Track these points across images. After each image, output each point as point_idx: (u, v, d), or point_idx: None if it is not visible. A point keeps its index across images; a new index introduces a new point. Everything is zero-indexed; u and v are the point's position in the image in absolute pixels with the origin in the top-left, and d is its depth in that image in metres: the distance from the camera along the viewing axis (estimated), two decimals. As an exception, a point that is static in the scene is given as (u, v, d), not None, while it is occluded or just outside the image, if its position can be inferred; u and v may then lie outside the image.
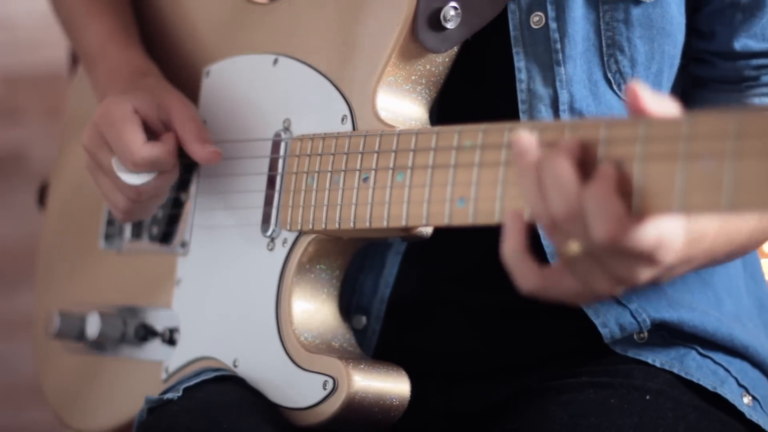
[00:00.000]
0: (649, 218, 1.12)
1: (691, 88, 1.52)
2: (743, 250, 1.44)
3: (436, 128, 1.35)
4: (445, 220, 1.29)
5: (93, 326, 1.66)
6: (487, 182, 1.25)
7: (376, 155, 1.39)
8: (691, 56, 1.50)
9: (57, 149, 1.90)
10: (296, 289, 1.48)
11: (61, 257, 1.83)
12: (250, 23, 1.62)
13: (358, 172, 1.42)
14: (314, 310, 1.49)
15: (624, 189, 1.13)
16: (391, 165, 1.37)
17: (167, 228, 1.65)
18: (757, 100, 1.48)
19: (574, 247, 1.14)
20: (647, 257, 1.12)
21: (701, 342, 1.50)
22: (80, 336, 1.70)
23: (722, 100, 1.50)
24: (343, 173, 1.43)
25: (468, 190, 1.27)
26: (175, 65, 1.69)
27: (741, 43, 1.47)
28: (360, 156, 1.41)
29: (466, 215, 1.27)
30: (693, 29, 1.49)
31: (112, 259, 1.73)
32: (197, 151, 1.52)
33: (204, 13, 1.68)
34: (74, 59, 2.28)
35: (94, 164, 1.56)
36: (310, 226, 1.45)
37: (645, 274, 1.14)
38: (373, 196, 1.38)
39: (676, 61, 1.49)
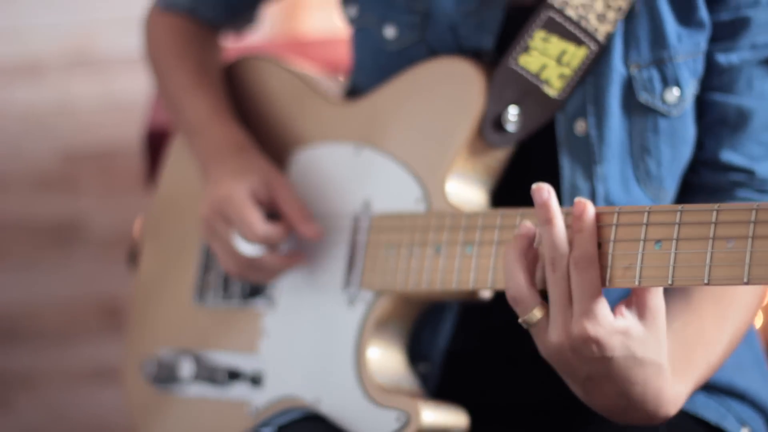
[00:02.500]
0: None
1: (679, 193, 1.62)
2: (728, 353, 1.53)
3: (501, 210, 1.48)
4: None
5: (186, 369, 1.77)
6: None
7: (447, 231, 1.51)
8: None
9: (149, 215, 1.96)
10: (373, 340, 1.59)
11: (152, 310, 1.89)
12: (333, 116, 1.72)
13: (431, 245, 1.53)
14: (387, 357, 1.60)
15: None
16: (461, 240, 1.49)
17: (256, 286, 1.75)
18: None
19: (533, 317, 1.36)
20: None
21: (707, 387, 1.59)
22: (173, 378, 1.78)
23: None
24: (418, 246, 1.54)
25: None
26: (260, 145, 1.78)
27: (725, 156, 1.57)
28: (433, 232, 1.53)
29: None
30: None
31: (202, 312, 1.81)
32: (304, 230, 1.65)
33: (287, 105, 1.79)
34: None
35: (210, 233, 1.68)
36: (388, 288, 1.57)
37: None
38: (445, 266, 1.50)
39: (688, 164, 1.60)
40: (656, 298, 1.35)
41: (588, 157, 1.56)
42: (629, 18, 1.55)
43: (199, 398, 1.79)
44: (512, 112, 1.55)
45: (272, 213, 1.68)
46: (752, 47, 1.56)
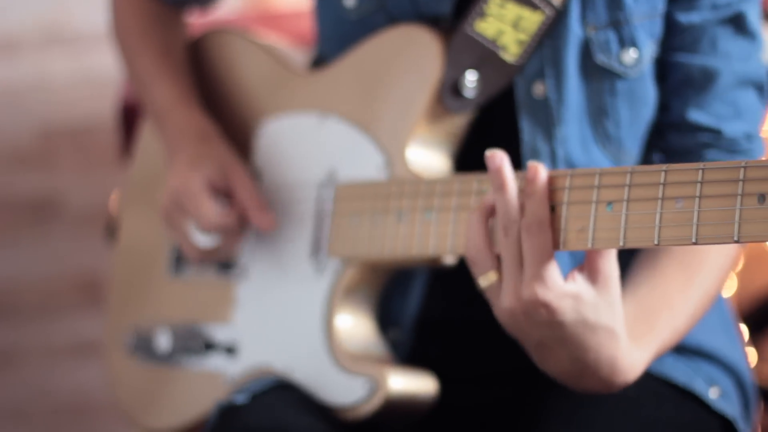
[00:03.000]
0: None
1: (645, 159, 1.63)
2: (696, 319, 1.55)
3: (459, 176, 1.50)
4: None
5: (163, 341, 1.79)
6: None
7: (408, 198, 1.53)
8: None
9: (125, 189, 1.98)
10: (341, 308, 1.61)
11: (130, 282, 1.92)
12: (297, 86, 1.74)
13: (393, 212, 1.54)
14: (356, 324, 1.62)
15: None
16: (420, 206, 1.51)
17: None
18: None
19: (485, 280, 1.40)
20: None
21: (675, 349, 1.59)
22: (149, 349, 1.81)
23: None
24: (381, 213, 1.56)
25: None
26: (226, 119, 1.81)
27: (692, 116, 1.59)
28: (395, 199, 1.55)
29: None
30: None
31: (176, 282, 1.83)
32: (257, 220, 1.67)
33: (254, 81, 1.80)
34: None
35: (169, 223, 1.72)
36: (354, 255, 1.59)
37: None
38: (406, 231, 1.52)
39: (650, 125, 1.62)
40: (609, 263, 1.37)
41: (547, 119, 1.57)
42: None
43: (176, 369, 1.81)
44: (470, 78, 1.56)
45: (228, 200, 1.70)
46: (713, 7, 1.57)
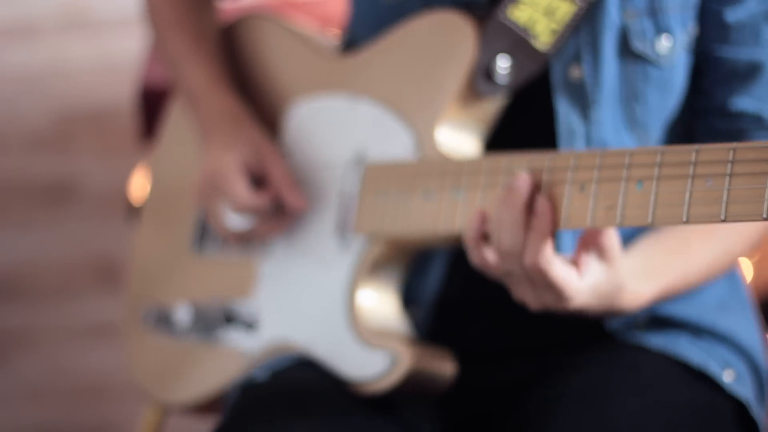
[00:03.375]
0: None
1: (685, 139, 1.65)
2: (701, 281, 1.60)
3: (488, 156, 1.53)
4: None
5: (183, 316, 1.80)
6: None
7: (436, 177, 1.55)
8: (690, 112, 1.64)
9: (150, 169, 2.00)
10: (365, 284, 1.62)
11: (153, 261, 1.94)
12: (329, 69, 1.75)
13: (420, 190, 1.56)
14: (379, 300, 1.63)
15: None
16: (449, 185, 1.52)
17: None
18: None
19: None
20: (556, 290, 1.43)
21: (690, 328, 1.63)
22: (170, 325, 1.82)
23: None
24: (407, 192, 1.57)
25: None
26: (258, 102, 1.82)
27: (735, 103, 1.60)
28: (423, 178, 1.56)
29: None
30: (695, 88, 1.63)
31: (199, 260, 1.84)
32: (290, 199, 1.69)
33: (285, 61, 1.82)
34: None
35: (204, 205, 1.73)
36: (380, 231, 1.60)
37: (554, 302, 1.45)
38: (432, 209, 1.53)
39: (677, 114, 1.62)
40: (611, 238, 1.44)
41: (583, 101, 1.59)
42: None
43: (196, 344, 1.82)
44: (502, 63, 1.58)
45: (261, 181, 1.72)
46: (760, 2, 1.58)
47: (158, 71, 2.53)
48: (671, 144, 1.63)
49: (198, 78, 1.82)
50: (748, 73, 1.60)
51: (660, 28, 1.58)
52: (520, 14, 1.57)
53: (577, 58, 1.58)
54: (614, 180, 1.35)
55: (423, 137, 1.61)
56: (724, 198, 1.24)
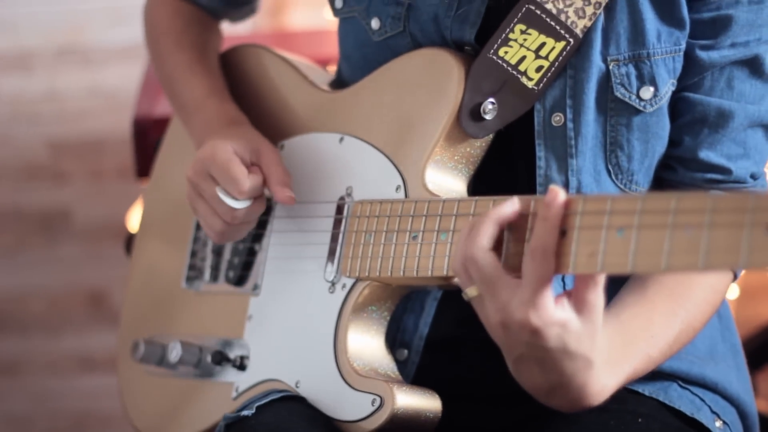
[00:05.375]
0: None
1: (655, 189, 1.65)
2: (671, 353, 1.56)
3: (474, 198, 1.51)
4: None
5: (174, 353, 1.78)
6: (517, 242, 1.41)
7: (424, 219, 1.54)
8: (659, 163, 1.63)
9: (145, 201, 1.99)
10: (352, 326, 1.62)
11: (145, 296, 1.93)
12: (320, 106, 1.75)
13: (408, 232, 1.55)
14: (365, 343, 1.63)
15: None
16: (436, 227, 1.52)
17: (242, 272, 1.78)
18: None
19: (472, 291, 1.41)
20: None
21: (681, 378, 1.64)
22: (162, 361, 1.80)
23: None
24: (396, 232, 1.57)
25: (500, 247, 1.42)
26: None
27: (703, 154, 1.61)
28: (410, 219, 1.56)
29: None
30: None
31: (191, 298, 1.84)
32: (278, 191, 1.66)
33: (279, 97, 1.81)
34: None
35: (195, 194, 1.69)
36: (367, 274, 1.59)
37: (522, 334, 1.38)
38: (420, 251, 1.53)
39: (660, 158, 1.62)
40: (595, 293, 1.38)
41: (564, 150, 1.59)
42: (610, 13, 1.57)
43: (186, 380, 1.82)
44: (490, 101, 1.58)
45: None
46: (732, 46, 1.58)
47: (152, 101, 2.54)
48: (655, 188, 1.65)
49: (197, 89, 1.81)
50: (717, 121, 1.60)
51: (644, 76, 1.58)
52: (510, 51, 1.57)
53: (560, 107, 1.59)
54: (596, 227, 1.34)
55: (410, 177, 1.61)
56: (703, 248, 1.25)
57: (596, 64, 1.57)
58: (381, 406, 1.56)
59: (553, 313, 1.36)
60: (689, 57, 1.60)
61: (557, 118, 1.59)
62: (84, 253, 3.30)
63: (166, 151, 1.98)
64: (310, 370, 1.66)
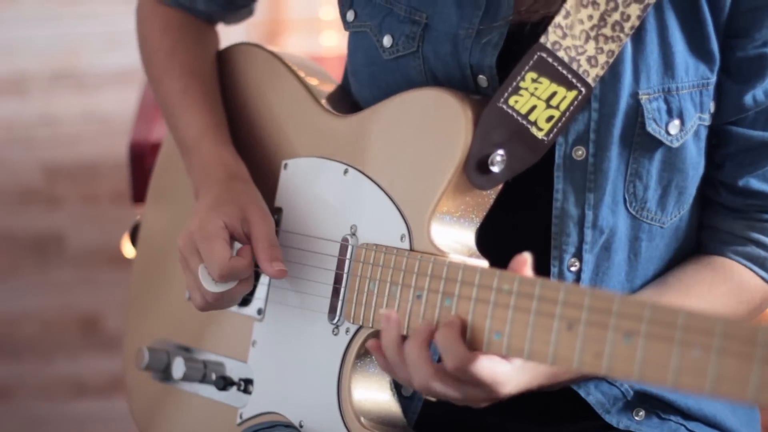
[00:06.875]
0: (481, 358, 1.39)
1: (702, 204, 1.64)
2: None
3: (479, 268, 1.46)
4: (483, 348, 1.42)
5: (178, 369, 1.75)
6: (520, 323, 1.39)
7: (428, 278, 1.50)
8: (704, 180, 1.62)
9: (146, 206, 1.94)
10: (355, 375, 1.58)
11: (150, 300, 1.89)
12: (325, 129, 1.69)
13: (412, 289, 1.51)
14: (369, 391, 1.59)
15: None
16: (441, 290, 1.48)
17: (247, 295, 1.70)
18: (751, 233, 1.62)
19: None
20: (488, 389, 1.42)
21: (683, 414, 1.63)
22: (165, 371, 1.78)
23: (721, 223, 1.63)
24: (400, 286, 1.53)
25: (504, 325, 1.40)
26: (256, 153, 1.75)
27: (744, 181, 1.59)
28: (415, 276, 1.51)
29: (500, 347, 1.41)
30: (709, 159, 1.61)
31: (195, 310, 1.73)
32: (267, 269, 1.61)
33: (283, 109, 1.75)
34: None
35: (184, 264, 1.65)
36: (370, 324, 1.55)
37: (485, 401, 1.45)
38: (424, 313, 1.49)
39: (687, 191, 1.60)
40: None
41: (582, 183, 1.57)
42: (639, 44, 1.54)
43: (190, 394, 1.80)
44: (499, 153, 1.54)
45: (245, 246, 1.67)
46: None
47: (149, 126, 2.54)
48: (700, 204, 1.65)
49: (191, 126, 1.77)
50: (760, 151, 1.60)
51: (672, 110, 1.56)
52: (520, 101, 1.53)
53: (583, 139, 1.56)
54: (602, 326, 1.33)
55: (415, 227, 1.57)
56: (711, 373, 1.23)
57: (625, 98, 1.55)
58: None
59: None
60: (732, 98, 1.59)
61: (579, 152, 1.56)
62: (77, 278, 3.30)
63: (165, 163, 1.92)
64: (314, 413, 1.63)
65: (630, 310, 1.30)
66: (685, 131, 1.57)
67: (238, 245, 1.65)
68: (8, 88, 3.25)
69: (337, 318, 1.61)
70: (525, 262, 1.41)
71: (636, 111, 1.55)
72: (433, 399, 1.49)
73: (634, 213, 1.59)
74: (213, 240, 1.61)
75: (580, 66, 1.52)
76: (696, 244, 1.67)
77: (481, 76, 1.58)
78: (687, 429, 1.64)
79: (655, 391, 1.62)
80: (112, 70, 3.24)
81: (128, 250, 2.02)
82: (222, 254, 1.60)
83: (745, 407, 1.72)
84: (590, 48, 1.53)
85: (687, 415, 1.65)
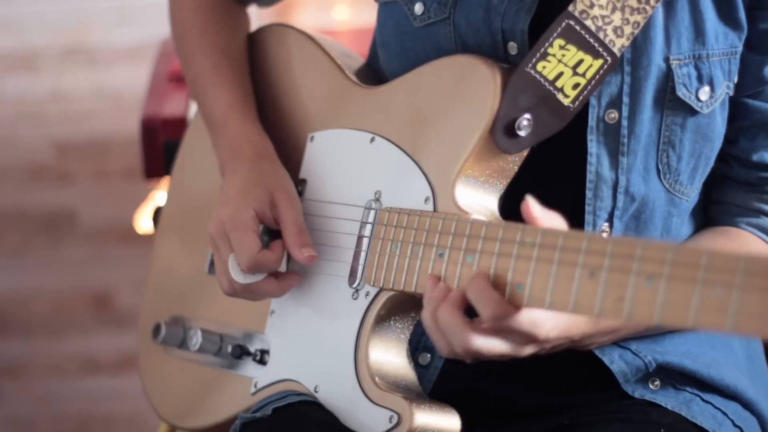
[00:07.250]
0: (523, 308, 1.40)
1: (711, 180, 1.66)
2: None
3: (503, 223, 1.48)
4: (505, 299, 1.44)
5: (195, 340, 1.76)
6: (542, 274, 1.40)
7: (451, 236, 1.51)
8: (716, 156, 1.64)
9: (170, 183, 1.98)
10: (374, 337, 1.59)
11: (170, 276, 1.91)
12: (352, 101, 1.72)
13: (435, 248, 1.52)
14: (387, 354, 1.60)
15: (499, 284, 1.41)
16: (464, 247, 1.49)
17: None
18: (764, 206, 1.64)
19: None
20: (525, 335, 1.43)
21: (701, 384, 1.64)
22: (182, 345, 1.80)
23: (732, 197, 1.65)
24: (422, 246, 1.54)
25: (525, 277, 1.41)
26: (283, 127, 1.78)
27: (759, 155, 1.62)
28: (438, 235, 1.53)
29: (522, 298, 1.42)
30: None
31: (214, 284, 1.76)
32: (296, 255, 1.64)
33: (312, 85, 1.78)
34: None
35: (215, 249, 1.68)
36: (391, 286, 1.57)
37: (528, 347, 1.45)
38: (446, 271, 1.51)
39: (711, 162, 1.63)
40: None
41: (616, 147, 1.59)
42: (670, 10, 1.57)
43: (207, 368, 1.81)
44: (525, 117, 1.56)
45: (275, 234, 1.69)
46: None
47: (160, 102, 2.54)
48: (710, 180, 1.66)
49: (220, 103, 1.79)
50: None
51: (703, 76, 1.58)
52: (548, 66, 1.55)
53: (616, 102, 1.58)
54: (624, 271, 1.33)
55: (440, 190, 1.58)
56: (732, 310, 1.23)
57: (656, 63, 1.57)
58: (398, 423, 1.54)
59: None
60: (752, 70, 1.61)
61: (612, 115, 1.58)
62: (89, 255, 3.31)
63: (190, 143, 1.95)
64: (330, 377, 1.64)
65: (653, 254, 1.31)
66: (714, 98, 1.59)
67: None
68: (19, 64, 3.25)
69: (357, 281, 1.62)
70: (528, 203, 1.43)
71: (667, 76, 1.58)
72: (474, 362, 1.49)
73: (667, 186, 1.61)
74: (244, 231, 1.64)
75: (606, 35, 1.55)
76: (705, 222, 1.69)
77: (511, 42, 1.61)
78: (702, 399, 1.65)
79: (678, 362, 1.64)
80: (124, 46, 3.24)
81: (140, 226, 2.02)
82: (252, 246, 1.63)
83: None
84: (616, 18, 1.55)
85: (704, 385, 1.66)
